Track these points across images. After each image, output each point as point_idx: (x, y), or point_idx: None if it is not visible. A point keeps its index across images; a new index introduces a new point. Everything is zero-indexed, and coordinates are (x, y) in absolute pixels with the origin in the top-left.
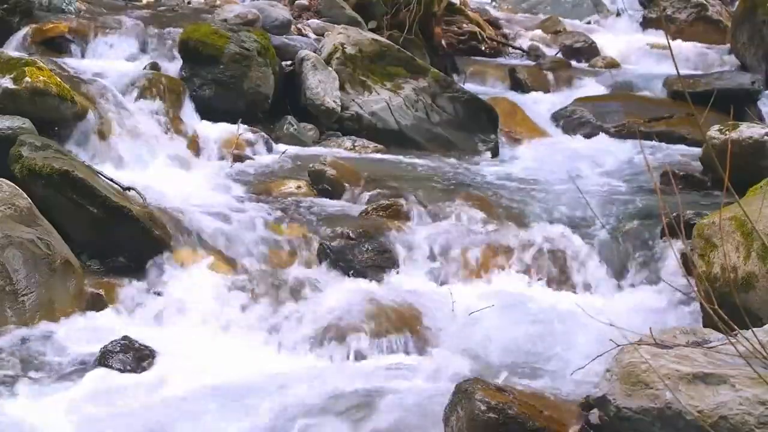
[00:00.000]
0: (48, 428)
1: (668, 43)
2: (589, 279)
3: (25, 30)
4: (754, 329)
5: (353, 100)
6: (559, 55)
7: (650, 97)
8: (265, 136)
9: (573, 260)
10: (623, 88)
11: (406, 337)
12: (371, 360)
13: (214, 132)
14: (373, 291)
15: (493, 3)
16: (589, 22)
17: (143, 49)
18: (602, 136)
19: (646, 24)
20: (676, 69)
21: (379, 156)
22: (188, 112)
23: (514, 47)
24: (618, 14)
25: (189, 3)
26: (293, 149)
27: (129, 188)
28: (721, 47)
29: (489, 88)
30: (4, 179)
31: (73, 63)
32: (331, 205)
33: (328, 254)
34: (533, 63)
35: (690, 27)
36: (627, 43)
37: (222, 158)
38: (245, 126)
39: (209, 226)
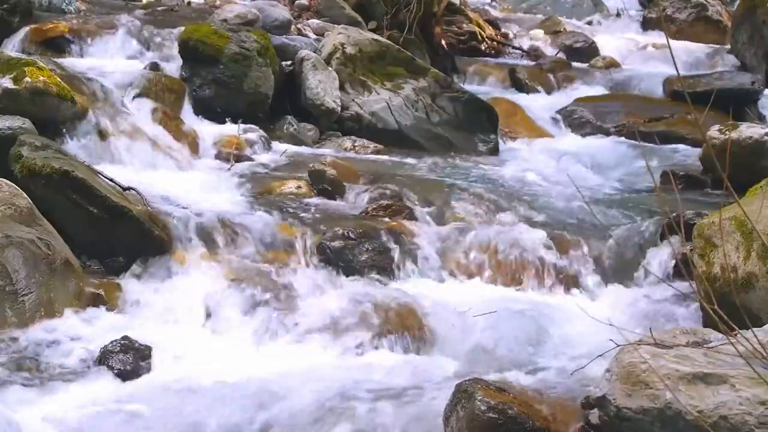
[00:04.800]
0: (48, 429)
1: (668, 43)
2: (589, 279)
3: (25, 30)
4: (754, 329)
5: (353, 100)
6: (559, 55)
7: (650, 97)
8: (265, 136)
9: (573, 260)
10: (623, 88)
11: (406, 337)
12: (371, 360)
13: (214, 132)
14: (373, 291)
15: (493, 3)
16: (589, 23)
17: (143, 49)
18: (602, 136)
19: (646, 24)
20: (676, 69)
21: (379, 156)
22: (188, 112)
23: (514, 47)
24: (618, 14)
25: (189, 3)
26: (293, 149)
27: (129, 188)
28: (721, 47)
29: (489, 88)
30: (4, 179)
31: (73, 63)
32: (331, 205)
33: (328, 254)
34: (533, 63)
35: (690, 27)
36: (627, 43)
37: (222, 158)
38: (245, 126)
39: (209, 226)
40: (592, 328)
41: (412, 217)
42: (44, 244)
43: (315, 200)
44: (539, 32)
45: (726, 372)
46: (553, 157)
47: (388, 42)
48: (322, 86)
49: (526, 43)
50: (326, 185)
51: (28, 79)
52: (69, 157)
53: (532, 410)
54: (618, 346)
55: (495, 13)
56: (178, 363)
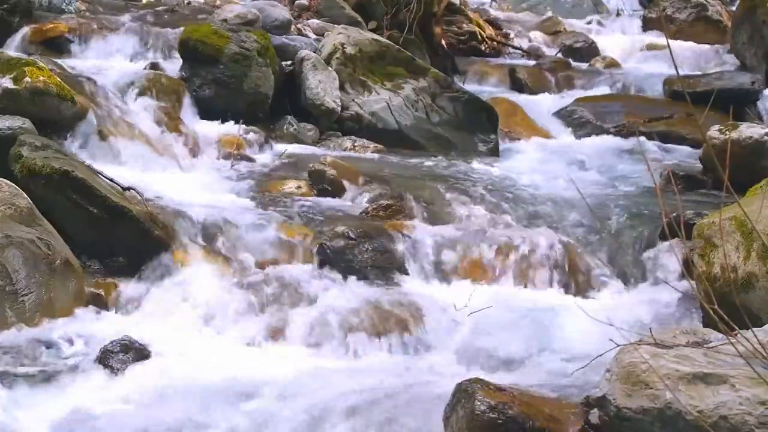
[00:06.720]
0: (47, 428)
1: (668, 43)
2: (589, 279)
3: (25, 30)
4: (754, 329)
5: (353, 100)
6: (559, 55)
7: (650, 97)
8: (265, 136)
9: (573, 260)
10: (623, 88)
11: (406, 336)
12: (371, 360)
13: (214, 132)
14: (373, 291)
15: (493, 3)
16: (589, 22)
17: (143, 49)
18: (602, 136)
19: (646, 24)
20: (676, 69)
21: (379, 156)
22: (188, 112)
23: (514, 47)
24: (618, 14)
25: (189, 3)
26: (293, 149)
27: (129, 188)
28: (721, 47)
29: (489, 88)
30: (4, 179)
31: (73, 63)
32: (331, 205)
33: (328, 254)
34: (533, 63)
35: (690, 27)
36: (627, 43)
37: (222, 158)
38: (245, 126)
39: (209, 226)
40: (591, 328)
41: (412, 217)
42: (44, 244)
43: (315, 200)
44: (539, 32)
45: (726, 372)
46: (553, 157)
47: (388, 42)
48: (322, 86)
49: (526, 43)
50: (326, 185)
51: (28, 79)
52: (69, 157)
53: (532, 410)
54: (618, 346)
55: (495, 13)
56: (178, 363)
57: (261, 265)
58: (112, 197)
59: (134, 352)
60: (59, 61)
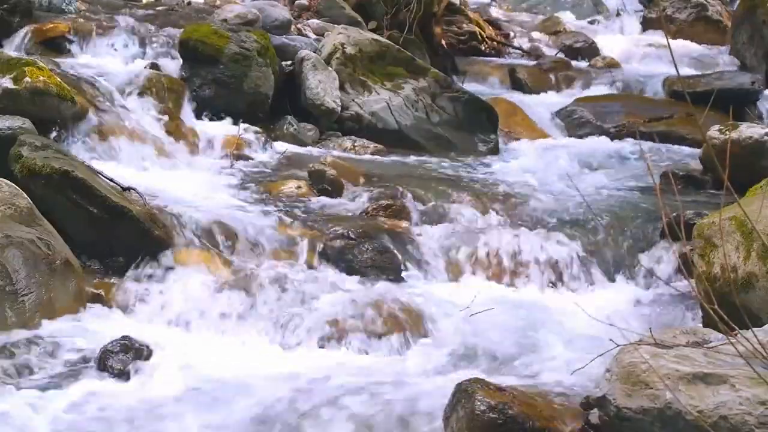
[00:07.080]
0: (47, 429)
1: (668, 43)
2: (589, 279)
3: (25, 30)
4: (754, 329)
5: (353, 100)
6: (560, 55)
7: (650, 97)
8: (265, 136)
9: (573, 260)
10: (623, 88)
11: (406, 336)
12: (371, 360)
13: (214, 132)
14: (373, 291)
15: (493, 3)
16: (591, 22)
17: (143, 49)
18: (602, 136)
19: (646, 24)
20: (676, 69)
21: (379, 156)
22: (188, 112)
23: (514, 47)
24: (618, 14)
25: (189, 3)
26: (293, 149)
27: (129, 188)
28: (721, 47)
29: (489, 88)
30: (4, 179)
31: (73, 63)
32: (331, 205)
33: (329, 254)
34: (533, 63)
35: (690, 27)
36: (627, 43)
37: (222, 158)
38: (245, 126)
39: (209, 226)
40: (591, 328)
41: (411, 217)
42: (44, 244)
43: (315, 200)
44: (539, 32)
45: (726, 372)
46: (553, 157)
47: (388, 42)
48: (322, 86)
49: (526, 43)
50: (326, 185)
51: (28, 79)
52: (69, 157)
53: (532, 410)
54: (618, 346)
55: (495, 13)
56: (178, 363)
57: (261, 265)
58: (112, 197)
59: (134, 351)
60: (59, 61)
